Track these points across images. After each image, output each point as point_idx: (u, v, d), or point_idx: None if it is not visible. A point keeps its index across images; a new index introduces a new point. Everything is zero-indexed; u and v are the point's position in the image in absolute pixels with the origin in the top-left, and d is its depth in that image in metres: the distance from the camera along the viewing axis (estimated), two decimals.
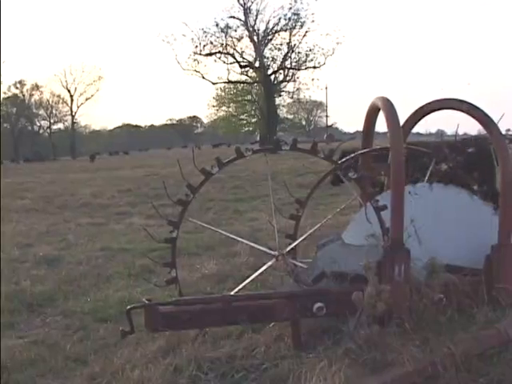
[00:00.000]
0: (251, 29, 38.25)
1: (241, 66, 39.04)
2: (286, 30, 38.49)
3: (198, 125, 79.84)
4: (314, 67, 38.53)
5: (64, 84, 64.03)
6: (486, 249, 3.55)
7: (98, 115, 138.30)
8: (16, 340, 4.04)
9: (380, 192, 4.00)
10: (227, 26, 37.79)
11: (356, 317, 3.22)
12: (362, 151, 4.29)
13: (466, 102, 3.84)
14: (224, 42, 37.76)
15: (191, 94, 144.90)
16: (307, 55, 38.36)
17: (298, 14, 37.69)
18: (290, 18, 37.96)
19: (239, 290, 3.83)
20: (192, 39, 37.51)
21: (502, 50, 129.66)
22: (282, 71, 39.22)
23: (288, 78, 39.60)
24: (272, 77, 39.26)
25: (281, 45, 38.79)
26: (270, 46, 39.12)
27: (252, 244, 4.18)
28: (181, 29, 73.79)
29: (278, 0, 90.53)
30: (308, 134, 65.56)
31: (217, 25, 37.58)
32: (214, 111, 53.33)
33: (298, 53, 38.57)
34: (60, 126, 68.47)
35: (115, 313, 4.40)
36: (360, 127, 4.32)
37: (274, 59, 39.05)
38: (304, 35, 38.08)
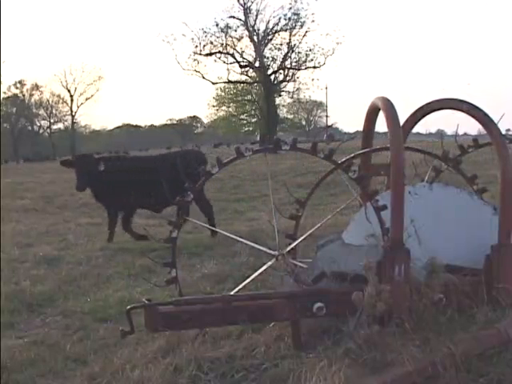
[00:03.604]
0: (251, 29, 38.18)
1: (241, 66, 38.97)
2: (286, 30, 38.41)
3: (198, 125, 79.75)
4: (314, 67, 38.44)
5: (64, 84, 63.95)
6: (485, 249, 3.55)
7: (98, 115, 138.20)
8: (16, 340, 4.04)
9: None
10: (227, 26, 37.72)
11: (356, 317, 3.23)
12: (362, 151, 4.29)
13: (466, 102, 3.84)
14: (224, 42, 37.70)
15: (191, 94, 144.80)
16: (307, 55, 38.27)
17: (298, 14, 37.61)
18: (289, 18, 37.87)
19: (239, 289, 3.83)
20: (192, 39, 37.41)
21: (502, 49, 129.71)
22: (282, 71, 39.13)
23: (288, 78, 39.50)
24: (272, 77, 39.17)
25: (281, 45, 38.73)
26: (270, 45, 39.05)
27: (252, 244, 4.18)
28: (181, 29, 73.78)
29: (277, 0, 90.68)
30: (308, 134, 65.51)
31: (217, 25, 37.52)
32: (213, 111, 53.29)
33: (298, 53, 38.49)
34: (60, 125, 68.45)
35: (115, 313, 4.40)
36: (360, 127, 4.32)
37: (274, 59, 38.98)
38: (304, 35, 38.00)
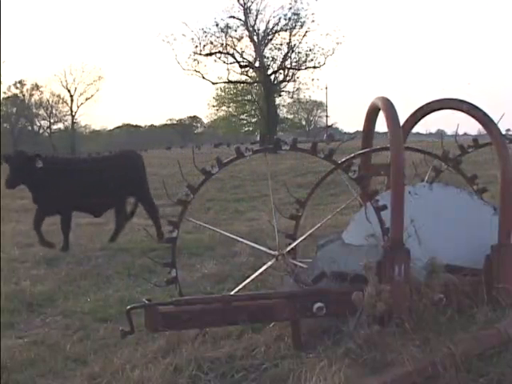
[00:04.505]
0: (251, 29, 38.18)
1: (241, 66, 38.98)
2: (286, 30, 38.41)
3: (198, 125, 79.74)
4: (314, 67, 38.45)
5: (64, 84, 63.91)
6: (486, 249, 3.55)
7: (98, 115, 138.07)
8: (16, 340, 4.04)
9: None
10: (227, 26, 37.73)
11: (356, 317, 3.23)
12: (362, 151, 4.29)
13: (466, 102, 3.85)
14: (224, 42, 37.71)
15: (191, 93, 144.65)
16: (307, 55, 38.28)
17: (298, 14, 37.62)
18: (290, 18, 37.88)
19: (239, 289, 3.83)
20: (192, 39, 37.44)
21: (502, 49, 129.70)
22: (282, 71, 39.14)
23: (288, 78, 39.51)
24: (272, 77, 39.18)
25: (281, 45, 38.74)
26: (270, 45, 39.07)
27: (252, 244, 4.18)
28: (181, 29, 73.77)
29: (278, 0, 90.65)
30: (308, 134, 65.49)
31: (217, 25, 37.53)
32: (213, 111, 53.30)
33: (298, 53, 38.50)
34: (60, 125, 68.42)
35: (115, 313, 4.40)
36: (360, 127, 4.33)
37: (274, 59, 38.99)
38: (304, 35, 38.00)
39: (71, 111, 65.43)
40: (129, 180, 7.75)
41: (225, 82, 41.78)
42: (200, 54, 37.56)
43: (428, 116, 4.27)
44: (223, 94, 50.31)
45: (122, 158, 8.09)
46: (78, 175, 7.50)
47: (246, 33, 38.30)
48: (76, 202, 7.59)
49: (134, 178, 7.87)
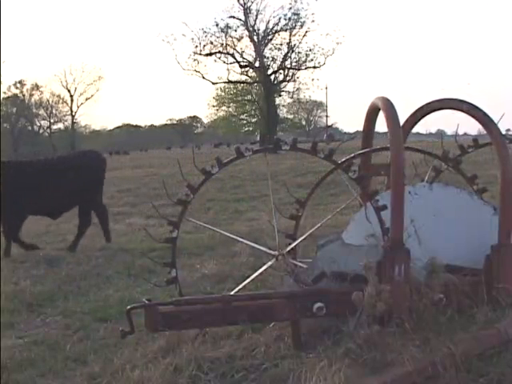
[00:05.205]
0: (251, 29, 38.16)
1: (241, 66, 38.96)
2: (286, 30, 38.38)
3: (198, 125, 79.73)
4: (314, 67, 38.41)
5: (64, 84, 63.94)
6: (486, 249, 3.55)
7: (98, 115, 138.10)
8: (16, 340, 4.05)
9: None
10: (227, 26, 37.70)
11: (356, 317, 3.23)
12: (362, 151, 4.29)
13: (466, 102, 3.85)
14: (224, 42, 37.68)
15: (191, 93, 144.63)
16: (307, 55, 38.24)
17: (298, 14, 37.58)
18: (290, 18, 37.85)
19: (239, 289, 3.83)
20: (192, 39, 37.39)
21: (502, 49, 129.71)
22: (282, 71, 39.10)
23: (288, 78, 39.47)
24: (272, 77, 39.15)
25: (281, 45, 38.71)
26: (270, 45, 39.05)
27: (252, 244, 4.18)
28: (181, 29, 73.73)
29: (278, 0, 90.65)
30: (308, 134, 65.47)
31: (217, 25, 37.50)
32: (213, 111, 53.30)
33: (298, 53, 38.46)
34: (60, 125, 68.41)
35: (115, 313, 4.40)
36: (360, 127, 4.33)
37: (274, 59, 38.95)
38: (304, 35, 37.96)
39: (71, 111, 65.48)
40: (84, 180, 7.63)
41: (225, 82, 41.78)
42: (200, 54, 37.55)
43: (428, 116, 4.28)
44: (223, 93, 50.32)
45: (78, 159, 7.96)
46: (33, 179, 7.29)
47: (246, 33, 38.29)
48: (31, 207, 7.38)
49: (90, 178, 7.76)
